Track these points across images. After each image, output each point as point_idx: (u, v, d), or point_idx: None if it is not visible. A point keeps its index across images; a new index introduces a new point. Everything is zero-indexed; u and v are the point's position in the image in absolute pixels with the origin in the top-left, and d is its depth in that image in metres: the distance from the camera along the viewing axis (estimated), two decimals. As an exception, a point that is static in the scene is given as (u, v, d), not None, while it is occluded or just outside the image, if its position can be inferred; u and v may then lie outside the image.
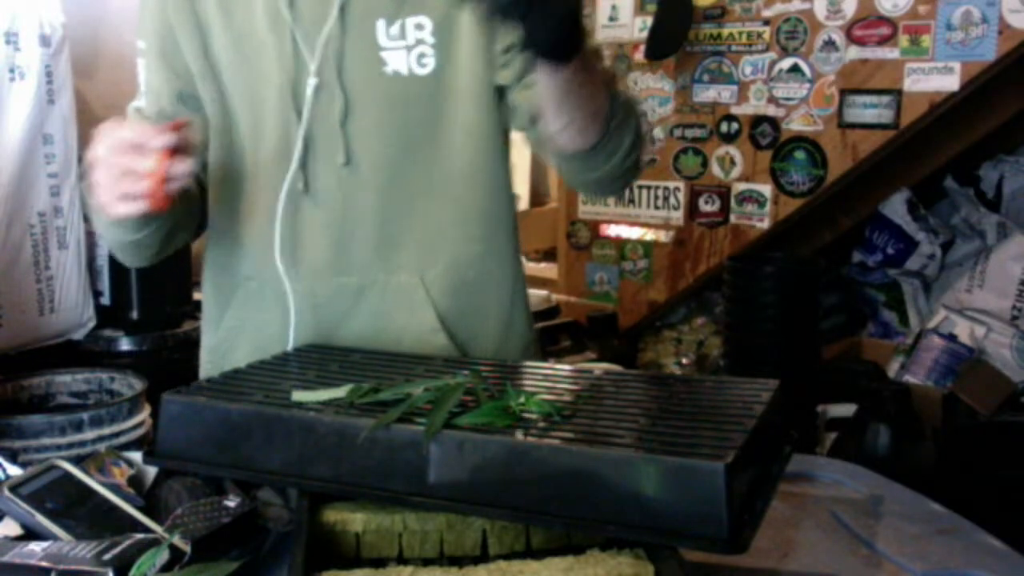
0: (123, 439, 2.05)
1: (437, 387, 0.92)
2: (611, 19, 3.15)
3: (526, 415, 0.88)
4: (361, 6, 1.18)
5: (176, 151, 1.02)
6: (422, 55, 1.19)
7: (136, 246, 1.23)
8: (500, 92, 1.24)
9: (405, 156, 1.22)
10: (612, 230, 3.28)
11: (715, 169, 3.00)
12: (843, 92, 2.71)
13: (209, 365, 1.34)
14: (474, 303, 1.29)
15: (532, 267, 3.82)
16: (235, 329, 1.30)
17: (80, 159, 2.45)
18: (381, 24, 1.18)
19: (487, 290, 1.30)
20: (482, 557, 0.88)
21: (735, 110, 2.93)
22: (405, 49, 1.19)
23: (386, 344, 1.21)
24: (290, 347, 1.23)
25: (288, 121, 1.20)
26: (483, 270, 1.28)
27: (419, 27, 1.18)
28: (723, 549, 0.74)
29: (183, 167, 1.02)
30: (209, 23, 1.22)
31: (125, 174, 1.01)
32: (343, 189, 1.21)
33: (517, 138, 1.33)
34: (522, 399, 0.89)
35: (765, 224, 2.92)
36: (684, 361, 3.17)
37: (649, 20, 2.99)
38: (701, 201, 3.05)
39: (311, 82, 1.18)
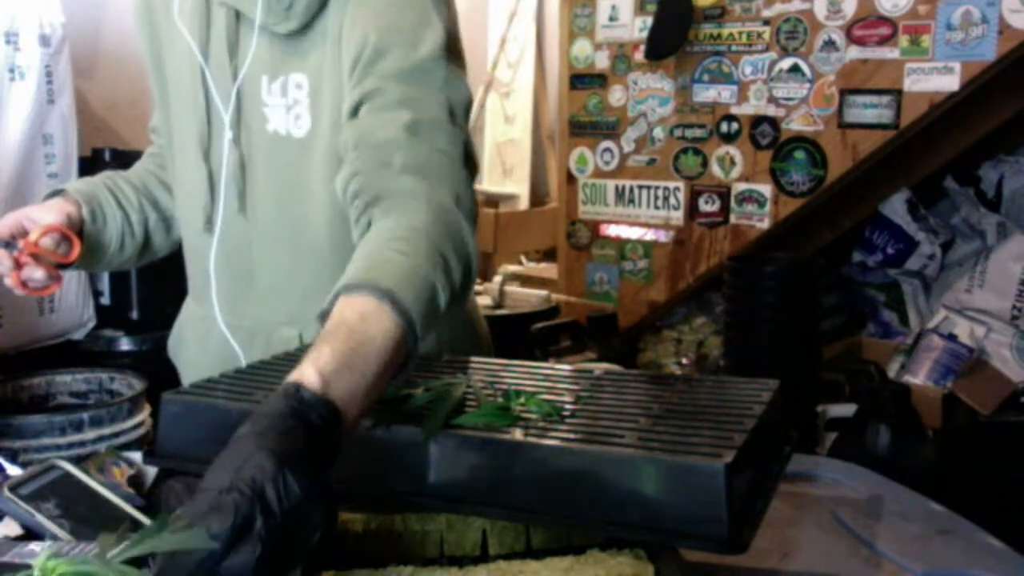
0: (123, 439, 2.04)
1: (437, 387, 0.92)
2: (611, 19, 3.15)
3: (526, 415, 0.88)
4: (253, 62, 1.18)
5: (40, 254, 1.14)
6: (298, 116, 1.18)
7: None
8: None
9: (285, 214, 1.22)
10: (612, 230, 3.28)
11: (715, 169, 3.00)
12: (843, 92, 2.71)
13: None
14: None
15: (532, 267, 3.82)
16: (174, 346, 1.46)
17: (80, 159, 2.45)
18: (264, 80, 1.18)
19: None
20: (482, 557, 0.88)
21: (735, 110, 2.93)
22: (284, 108, 1.18)
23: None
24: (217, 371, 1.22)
25: (200, 166, 1.25)
26: None
27: (298, 86, 1.17)
28: (723, 549, 0.74)
29: (38, 276, 1.13)
30: (161, 45, 1.28)
31: None
32: (242, 238, 1.25)
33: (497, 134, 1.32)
34: (522, 399, 0.89)
35: (765, 224, 2.92)
36: (684, 361, 3.16)
37: (649, 20, 2.99)
38: (701, 201, 3.05)
39: (227, 135, 1.21)
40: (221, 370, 1.11)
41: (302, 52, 1.16)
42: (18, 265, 1.12)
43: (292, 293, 1.25)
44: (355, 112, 1.08)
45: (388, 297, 0.83)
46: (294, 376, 0.73)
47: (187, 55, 1.22)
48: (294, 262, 1.24)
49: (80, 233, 1.23)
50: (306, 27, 1.14)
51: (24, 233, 1.15)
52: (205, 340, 1.33)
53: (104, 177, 1.37)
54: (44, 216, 1.18)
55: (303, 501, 0.65)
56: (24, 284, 1.13)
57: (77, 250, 1.20)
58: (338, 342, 0.77)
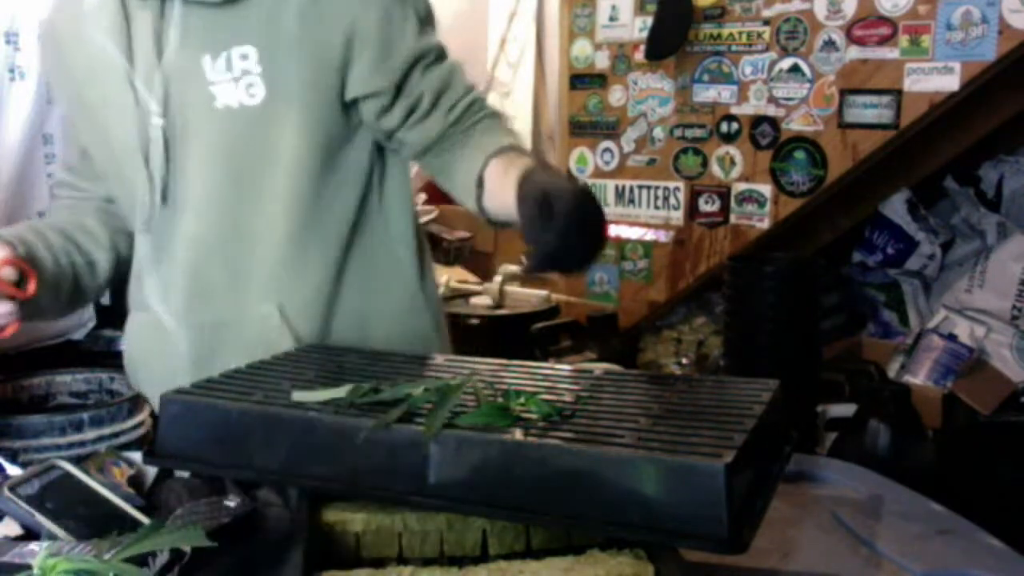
0: (123, 439, 2.04)
1: (437, 387, 0.92)
2: (611, 19, 3.15)
3: (526, 415, 0.88)
4: (188, 42, 1.18)
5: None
6: (250, 85, 1.18)
7: None
8: (344, 111, 1.25)
9: (245, 190, 1.22)
10: (612, 230, 3.26)
11: (715, 169, 3.00)
12: (843, 92, 2.71)
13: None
14: (346, 323, 1.30)
15: (532, 267, 3.81)
16: (132, 357, 1.47)
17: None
18: (207, 59, 1.18)
19: (361, 306, 1.31)
20: (482, 557, 0.88)
21: (735, 110, 2.93)
22: (233, 81, 1.18)
23: None
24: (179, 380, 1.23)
25: (139, 170, 1.23)
26: (351, 290, 1.30)
27: (244, 57, 1.17)
28: (723, 549, 0.74)
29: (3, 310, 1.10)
30: (74, 67, 1.27)
31: None
32: (193, 229, 1.24)
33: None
34: (522, 399, 0.89)
35: (765, 224, 2.92)
36: (684, 361, 3.16)
37: (649, 20, 2.98)
38: (701, 201, 3.05)
39: (155, 123, 1.20)
40: (193, 376, 1.10)
41: (243, 23, 1.17)
42: None
43: (259, 267, 1.25)
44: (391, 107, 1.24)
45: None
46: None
47: (110, 68, 1.22)
48: (256, 233, 1.24)
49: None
50: None
51: None
52: (166, 350, 1.33)
53: (15, 227, 1.32)
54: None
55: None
56: None
57: (34, 283, 1.15)
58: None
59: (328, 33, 1.19)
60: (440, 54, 1.28)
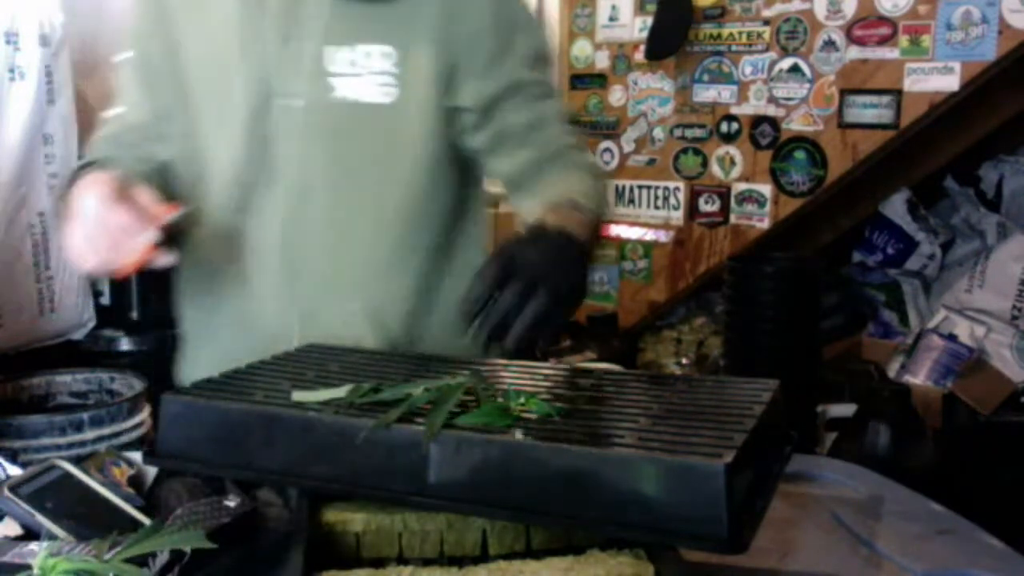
0: (123, 439, 2.04)
1: (437, 387, 0.92)
2: (611, 19, 3.15)
3: (526, 415, 0.88)
4: (321, 32, 1.16)
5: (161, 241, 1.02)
6: (383, 84, 1.18)
7: None
8: (454, 118, 1.24)
9: (355, 186, 1.21)
10: (612, 230, 3.28)
11: (715, 169, 3.00)
12: (843, 92, 2.71)
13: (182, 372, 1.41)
14: (420, 331, 1.28)
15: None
16: (196, 339, 1.37)
17: (79, 157, 2.45)
18: (340, 50, 1.17)
19: (443, 318, 1.29)
20: (482, 557, 0.88)
21: (735, 110, 2.93)
22: (362, 77, 1.17)
23: None
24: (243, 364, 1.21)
25: (247, 145, 1.20)
26: (430, 299, 1.29)
27: (382, 55, 1.17)
28: (723, 549, 0.74)
29: (164, 260, 1.04)
30: (179, 35, 1.22)
31: (108, 248, 1.01)
32: (294, 219, 1.21)
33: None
34: (522, 399, 0.89)
35: (765, 224, 2.92)
36: (684, 361, 3.16)
37: (649, 20, 2.99)
38: (701, 201, 3.05)
39: (278, 103, 1.18)
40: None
41: (385, 21, 1.16)
42: None
43: (353, 265, 1.23)
44: (499, 101, 1.23)
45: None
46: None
47: (230, 37, 1.18)
48: (357, 231, 1.22)
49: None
50: None
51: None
52: (244, 333, 1.26)
53: (110, 152, 1.26)
54: (143, 194, 1.05)
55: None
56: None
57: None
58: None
59: (458, 42, 1.20)
60: (547, 92, 1.28)
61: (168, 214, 1.04)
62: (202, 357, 1.33)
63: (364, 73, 1.17)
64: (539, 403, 0.89)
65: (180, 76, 1.23)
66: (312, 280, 1.23)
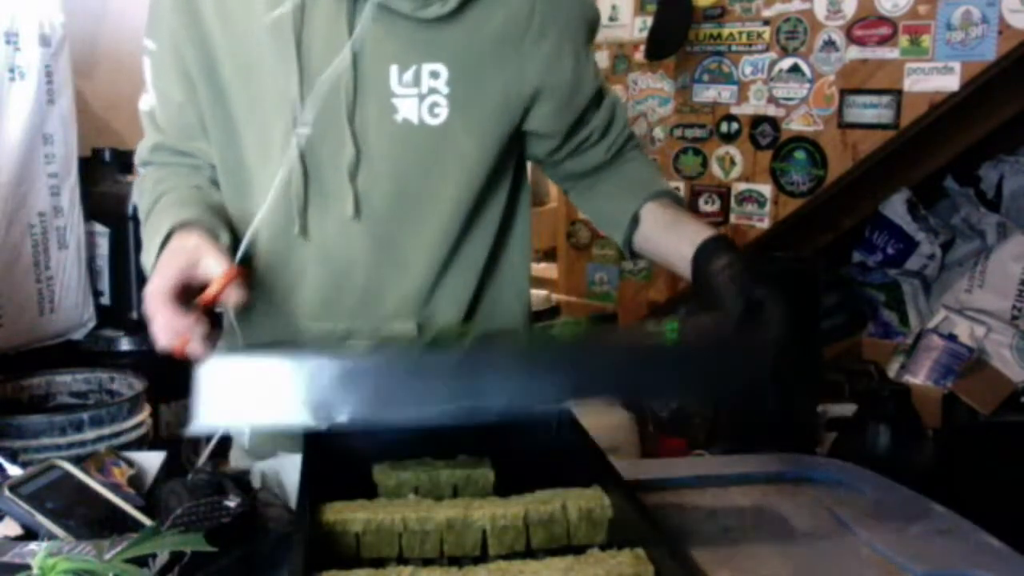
0: (123, 439, 2.05)
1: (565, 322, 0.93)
2: (611, 19, 3.15)
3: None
4: (375, 50, 1.13)
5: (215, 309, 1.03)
6: (435, 104, 1.15)
7: None
8: (514, 140, 1.23)
9: (407, 206, 1.18)
10: (612, 230, 3.28)
11: (715, 169, 3.00)
12: (843, 92, 2.71)
13: None
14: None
15: (532, 267, 3.81)
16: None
17: (80, 159, 2.45)
18: (395, 70, 1.13)
19: (482, 326, 1.29)
20: (482, 557, 0.88)
21: (735, 110, 2.93)
22: (417, 97, 1.14)
23: None
24: None
25: (290, 162, 1.15)
26: (478, 310, 1.28)
27: (434, 75, 1.14)
28: None
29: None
30: (216, 52, 1.16)
31: (172, 336, 1.01)
32: (344, 238, 1.17)
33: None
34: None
35: (765, 224, 2.92)
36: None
37: (649, 20, 2.99)
38: (701, 201, 3.05)
39: (302, 131, 1.13)
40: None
41: (440, 40, 1.13)
42: None
43: (407, 286, 1.21)
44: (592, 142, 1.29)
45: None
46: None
47: (269, 48, 1.13)
48: (407, 251, 1.20)
49: None
50: (454, 13, 1.12)
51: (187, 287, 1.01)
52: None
53: (184, 196, 1.19)
54: (211, 263, 1.02)
55: None
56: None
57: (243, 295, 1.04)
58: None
59: (523, 67, 1.18)
60: (604, 86, 1.29)
61: (227, 291, 1.02)
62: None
63: (424, 93, 1.14)
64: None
65: (215, 84, 1.17)
66: (359, 301, 1.20)
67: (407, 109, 1.14)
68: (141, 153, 1.25)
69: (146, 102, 1.24)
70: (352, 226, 1.17)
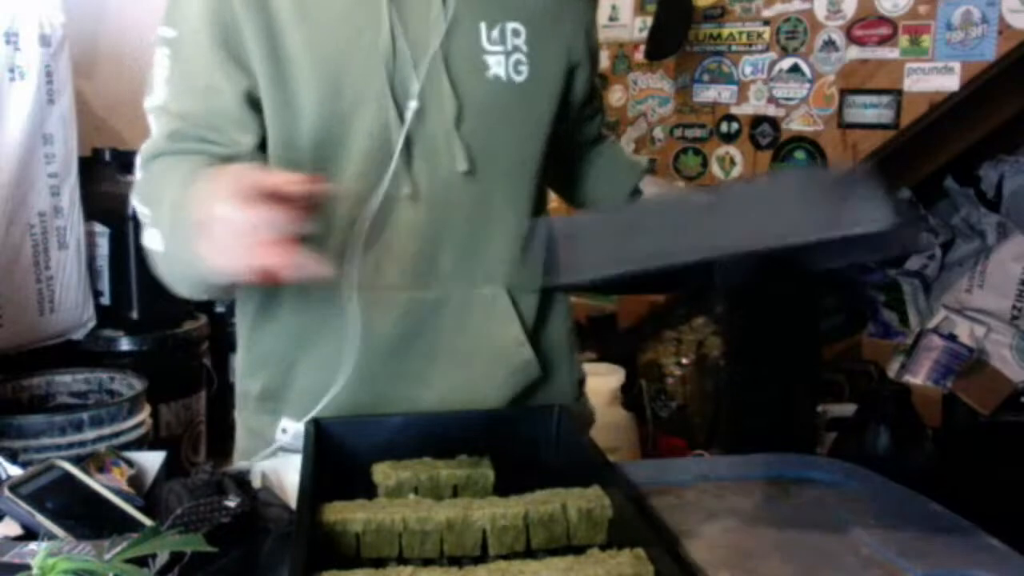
0: (123, 439, 2.05)
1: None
2: (611, 19, 3.15)
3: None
4: (465, 7, 1.13)
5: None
6: (518, 62, 1.17)
7: (223, 292, 1.18)
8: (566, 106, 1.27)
9: (502, 163, 1.18)
10: (612, 230, 3.28)
11: (715, 169, 3.00)
12: (843, 92, 2.71)
13: (262, 373, 1.22)
14: (548, 315, 1.27)
15: (532, 267, 3.81)
16: (294, 338, 1.19)
17: (80, 159, 2.45)
18: (483, 27, 1.14)
19: (554, 297, 1.29)
20: (482, 557, 0.88)
21: (735, 110, 2.93)
22: (504, 54, 1.16)
23: (466, 359, 1.18)
24: (353, 356, 1.14)
25: (384, 124, 1.11)
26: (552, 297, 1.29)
27: (516, 33, 1.17)
28: None
29: (317, 269, 0.84)
30: (280, 15, 1.08)
31: (253, 251, 0.83)
32: (449, 194, 1.14)
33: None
34: None
35: (765, 224, 2.92)
36: (684, 361, 3.16)
37: (649, 20, 2.99)
38: (701, 201, 3.05)
39: (415, 88, 1.11)
40: (388, 354, 1.16)
41: (519, 1, 1.18)
42: None
43: (501, 249, 1.20)
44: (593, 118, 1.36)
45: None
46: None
47: (355, 9, 1.10)
48: (495, 210, 1.19)
49: None
50: None
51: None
52: (372, 327, 1.15)
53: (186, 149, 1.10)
54: (271, 173, 0.87)
55: None
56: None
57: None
58: None
59: (576, 28, 1.24)
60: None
61: (316, 188, 0.85)
62: (301, 355, 1.19)
63: (509, 51, 1.17)
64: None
65: (277, 56, 1.09)
66: (447, 266, 1.17)
67: (496, 66, 1.16)
68: (151, 147, 1.13)
69: (157, 97, 1.13)
70: (458, 182, 1.15)
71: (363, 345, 1.14)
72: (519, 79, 1.17)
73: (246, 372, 1.25)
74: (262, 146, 1.13)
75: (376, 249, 1.14)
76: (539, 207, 1.26)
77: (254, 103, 1.11)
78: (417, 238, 1.15)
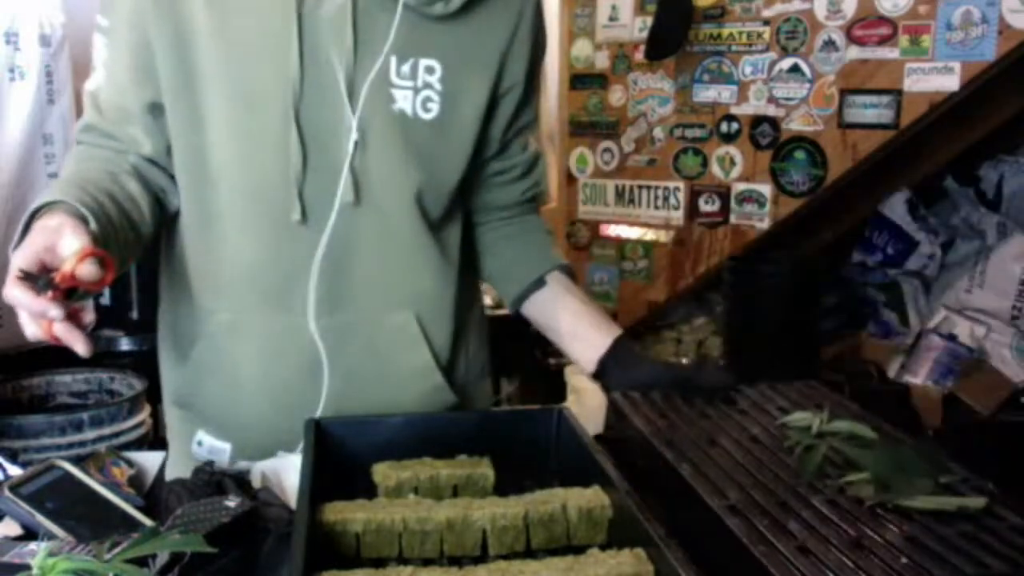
0: (123, 439, 2.05)
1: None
2: (611, 19, 3.14)
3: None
4: (377, 39, 1.13)
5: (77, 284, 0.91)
6: (428, 99, 1.17)
7: None
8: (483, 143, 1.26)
9: (403, 196, 1.19)
10: (612, 230, 3.28)
11: (715, 169, 3.00)
12: (843, 92, 2.71)
13: (175, 406, 1.30)
14: (462, 342, 1.31)
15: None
16: (203, 365, 1.23)
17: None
18: (394, 60, 1.14)
19: (468, 326, 1.33)
20: (482, 557, 0.88)
21: (735, 110, 2.93)
22: (413, 90, 1.16)
23: (376, 383, 1.22)
24: (254, 384, 1.21)
25: (287, 149, 1.13)
26: (463, 308, 1.31)
27: (429, 70, 1.16)
28: None
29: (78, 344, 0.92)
30: (194, 30, 1.11)
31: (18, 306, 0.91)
32: (345, 226, 1.16)
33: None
34: None
35: (765, 224, 2.92)
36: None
37: (649, 20, 2.99)
38: (701, 201, 3.05)
39: (319, 116, 1.13)
40: (301, 385, 1.17)
41: (436, 36, 1.16)
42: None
43: (402, 276, 1.22)
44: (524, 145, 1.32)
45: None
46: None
47: (266, 37, 1.11)
48: (403, 243, 1.21)
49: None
50: (456, 13, 1.15)
51: (46, 267, 0.92)
52: (281, 354, 1.20)
53: (67, 187, 1.09)
54: (68, 241, 0.93)
55: None
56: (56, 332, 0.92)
57: (112, 273, 0.93)
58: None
59: (503, 69, 1.22)
60: (537, 135, 1.34)
61: (81, 266, 0.90)
62: (209, 381, 1.24)
63: (419, 87, 1.16)
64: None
65: (185, 65, 1.12)
66: (358, 292, 1.19)
67: (403, 100, 1.16)
68: (76, 131, 1.22)
69: (93, 80, 1.19)
70: (353, 211, 1.17)
71: (275, 370, 1.20)
72: (426, 116, 1.17)
73: (167, 401, 1.34)
74: (170, 151, 1.19)
75: (281, 275, 1.18)
76: (463, 239, 1.29)
77: (159, 110, 1.17)
78: (320, 265, 1.17)
